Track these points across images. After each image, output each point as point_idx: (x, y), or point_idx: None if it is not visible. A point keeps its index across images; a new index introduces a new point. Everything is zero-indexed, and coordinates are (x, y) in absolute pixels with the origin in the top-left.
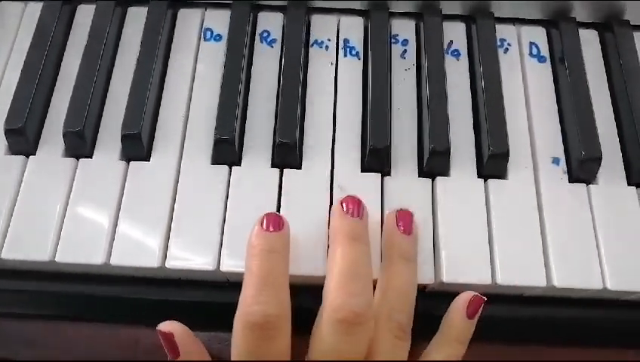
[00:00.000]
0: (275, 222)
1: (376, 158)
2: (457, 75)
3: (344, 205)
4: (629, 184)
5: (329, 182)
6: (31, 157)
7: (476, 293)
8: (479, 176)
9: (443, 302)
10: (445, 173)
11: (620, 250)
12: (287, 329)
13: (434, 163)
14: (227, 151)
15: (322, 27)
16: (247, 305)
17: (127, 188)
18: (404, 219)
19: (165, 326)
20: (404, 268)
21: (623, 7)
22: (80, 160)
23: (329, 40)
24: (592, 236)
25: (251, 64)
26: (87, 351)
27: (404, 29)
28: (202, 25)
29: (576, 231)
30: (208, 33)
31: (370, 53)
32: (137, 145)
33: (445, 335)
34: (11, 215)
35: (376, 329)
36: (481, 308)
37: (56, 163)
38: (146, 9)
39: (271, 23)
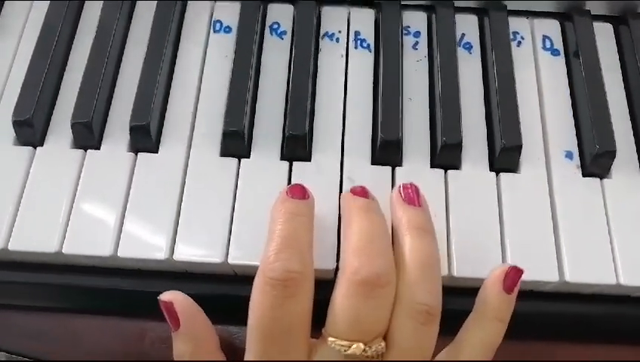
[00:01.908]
0: (300, 191)
1: (387, 151)
2: (469, 68)
3: (353, 192)
4: None
5: (339, 174)
6: (38, 148)
7: (512, 264)
8: (491, 169)
9: (453, 297)
10: (457, 166)
11: (634, 246)
12: (308, 289)
13: (445, 156)
14: (236, 143)
15: (333, 19)
16: (269, 262)
17: (135, 180)
18: (407, 189)
19: (166, 295)
20: (420, 240)
21: None
22: (88, 151)
23: (340, 32)
24: (606, 231)
25: (261, 56)
26: (94, 344)
27: (415, 21)
28: (212, 16)
29: (589, 226)
30: (218, 25)
31: (381, 44)
32: (146, 137)
33: (480, 313)
34: (18, 206)
35: (396, 313)
36: (520, 280)
37: (64, 154)
38: (155, 1)
39: (281, 14)
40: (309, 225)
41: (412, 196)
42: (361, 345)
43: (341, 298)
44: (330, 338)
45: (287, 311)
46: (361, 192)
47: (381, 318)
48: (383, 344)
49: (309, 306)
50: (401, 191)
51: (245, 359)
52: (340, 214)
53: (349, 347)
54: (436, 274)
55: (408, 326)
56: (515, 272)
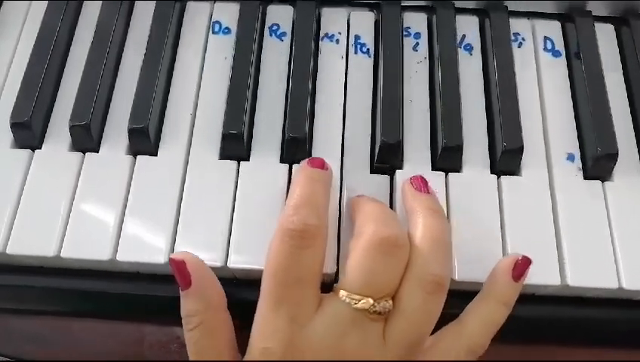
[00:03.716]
0: (320, 162)
1: (387, 154)
2: (470, 70)
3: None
4: None
5: (339, 177)
6: (37, 151)
7: (523, 255)
8: (492, 172)
9: (455, 300)
10: (458, 168)
11: (636, 249)
12: (322, 243)
13: (446, 158)
14: (236, 145)
15: (333, 20)
16: (288, 215)
17: (133, 183)
18: (417, 180)
19: (177, 255)
20: (433, 218)
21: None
22: (86, 154)
23: (339, 33)
24: (607, 234)
25: (260, 57)
26: (93, 348)
27: (416, 22)
28: (211, 18)
29: (591, 229)
30: (217, 26)
31: (381, 45)
32: (144, 140)
33: (487, 295)
34: (16, 209)
35: (406, 280)
36: (528, 270)
37: (63, 157)
38: (154, 1)
39: (280, 16)
40: (326, 191)
41: (421, 185)
42: (370, 300)
43: (358, 255)
44: (342, 292)
45: (302, 260)
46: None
47: (393, 278)
48: (390, 302)
49: (322, 260)
50: (412, 182)
51: (259, 305)
52: (339, 217)
53: (359, 301)
54: (448, 249)
55: (417, 292)
56: (525, 262)
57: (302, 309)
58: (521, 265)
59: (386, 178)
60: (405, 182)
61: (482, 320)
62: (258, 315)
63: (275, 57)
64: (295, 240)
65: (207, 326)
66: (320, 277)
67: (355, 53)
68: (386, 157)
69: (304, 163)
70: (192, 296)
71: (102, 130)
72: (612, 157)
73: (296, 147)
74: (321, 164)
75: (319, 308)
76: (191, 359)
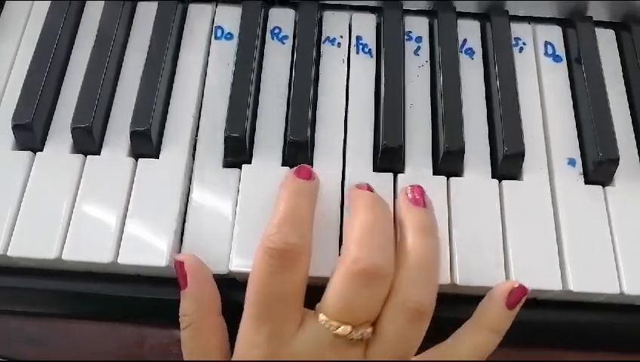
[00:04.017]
0: (306, 172)
1: (389, 157)
2: (471, 74)
3: (359, 187)
4: None
5: (340, 181)
6: (38, 153)
7: (520, 283)
8: (493, 176)
9: (454, 305)
10: (459, 172)
11: (637, 254)
12: (305, 262)
13: (448, 162)
14: (237, 149)
15: (334, 24)
16: (269, 234)
17: (135, 186)
18: (414, 191)
19: (180, 255)
20: (421, 240)
21: None
22: (88, 156)
23: (341, 37)
24: (609, 239)
25: (262, 60)
26: (93, 350)
27: (417, 26)
28: (213, 22)
29: (593, 234)
30: (219, 31)
31: (383, 49)
32: (146, 142)
33: (478, 321)
34: (18, 212)
35: (388, 306)
36: (524, 298)
37: (64, 159)
38: (156, 4)
39: (282, 19)
40: (311, 204)
41: (418, 198)
42: (349, 328)
43: (338, 283)
44: (322, 316)
45: (284, 279)
46: (367, 187)
47: (373, 307)
48: (369, 329)
49: (304, 278)
50: (408, 193)
51: (242, 319)
52: (341, 223)
53: (337, 327)
54: (434, 275)
55: (398, 320)
56: (521, 290)
57: (283, 326)
58: (517, 293)
59: (389, 177)
60: (402, 192)
61: (473, 348)
62: (241, 329)
63: (277, 60)
64: (275, 260)
65: (195, 327)
66: (302, 294)
67: (357, 53)
68: (388, 162)
69: (290, 174)
70: (188, 297)
71: (103, 133)
72: (613, 162)
73: (297, 151)
74: (308, 175)
75: (301, 327)
76: (185, 359)
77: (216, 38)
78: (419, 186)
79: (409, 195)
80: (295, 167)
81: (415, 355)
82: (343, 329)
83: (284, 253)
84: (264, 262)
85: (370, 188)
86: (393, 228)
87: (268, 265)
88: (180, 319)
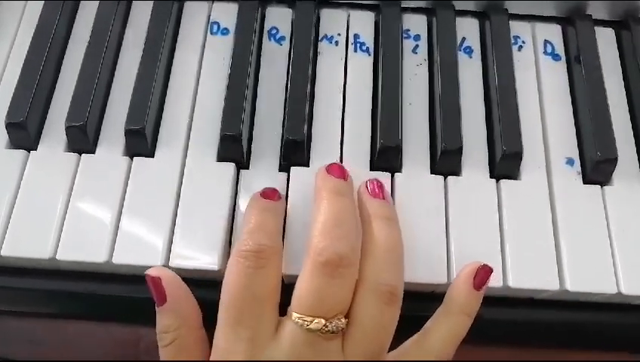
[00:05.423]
0: (270, 194)
1: (386, 156)
2: (470, 72)
3: (328, 169)
4: None
5: None
6: (32, 151)
7: (484, 263)
8: (491, 176)
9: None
10: (457, 172)
11: (635, 254)
12: (278, 264)
13: (445, 162)
14: (233, 147)
15: (332, 22)
16: (243, 241)
17: (130, 185)
18: (373, 184)
19: (153, 271)
20: (385, 225)
21: None
22: (82, 155)
23: (339, 35)
24: (607, 239)
25: (259, 58)
26: (88, 350)
27: (416, 24)
28: (209, 18)
29: (590, 234)
30: (215, 27)
31: (380, 48)
32: (141, 141)
33: (449, 306)
34: (11, 211)
35: (360, 292)
36: (490, 278)
37: (58, 158)
38: (151, 1)
39: (279, 17)
40: (278, 220)
41: (377, 191)
42: (322, 321)
43: (305, 278)
44: (295, 314)
45: (258, 280)
46: (337, 171)
47: (343, 298)
48: (343, 320)
49: (278, 280)
50: (368, 186)
51: (217, 331)
52: None
53: (311, 322)
54: (400, 259)
55: (371, 304)
56: (486, 271)
57: (259, 329)
58: (482, 274)
59: (386, 176)
60: (361, 186)
61: (445, 332)
62: (216, 337)
63: (274, 58)
64: (250, 261)
65: (181, 342)
66: (277, 297)
67: (355, 51)
68: (385, 161)
69: (256, 194)
70: (167, 312)
71: (98, 131)
72: (612, 162)
73: (294, 149)
74: (272, 195)
75: (276, 331)
76: None
77: (212, 33)
78: (377, 180)
79: (368, 188)
80: (261, 190)
81: (389, 352)
82: (318, 323)
83: (257, 254)
84: (239, 265)
85: (340, 171)
86: (358, 217)
87: (243, 266)
88: (158, 337)
